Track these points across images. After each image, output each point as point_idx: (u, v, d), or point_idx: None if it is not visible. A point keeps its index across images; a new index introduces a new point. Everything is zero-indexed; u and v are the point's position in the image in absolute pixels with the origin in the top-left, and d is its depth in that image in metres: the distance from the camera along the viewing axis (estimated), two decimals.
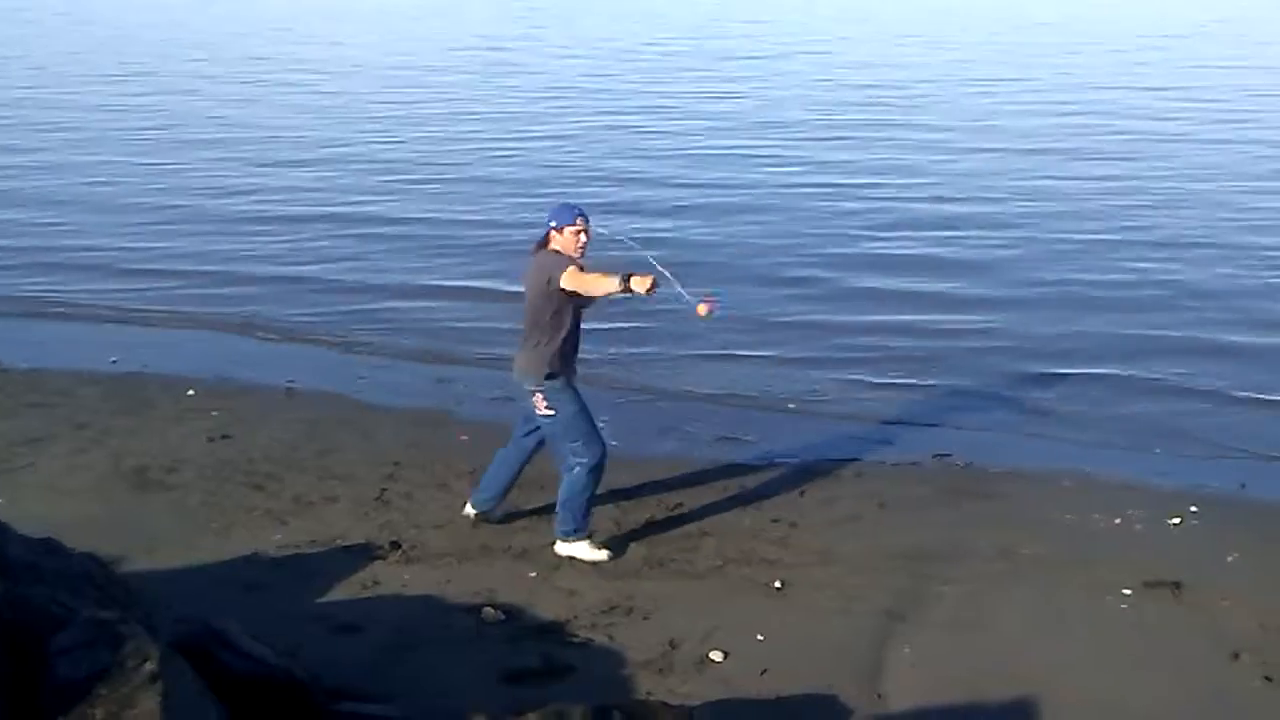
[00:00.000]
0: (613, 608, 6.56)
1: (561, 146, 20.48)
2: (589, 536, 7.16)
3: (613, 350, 10.67)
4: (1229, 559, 7.16)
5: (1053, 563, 7.12)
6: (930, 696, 5.82)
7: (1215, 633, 6.37)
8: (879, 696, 5.83)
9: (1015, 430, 9.25)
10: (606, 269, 6.66)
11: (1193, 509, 7.78)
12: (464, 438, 8.94)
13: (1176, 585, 6.81)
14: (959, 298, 12.48)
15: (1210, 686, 5.93)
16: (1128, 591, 6.78)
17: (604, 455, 7.04)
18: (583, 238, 6.80)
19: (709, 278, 11.18)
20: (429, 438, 8.96)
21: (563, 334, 6.86)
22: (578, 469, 7.01)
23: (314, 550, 7.16)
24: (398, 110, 24.25)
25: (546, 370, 6.88)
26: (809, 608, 6.67)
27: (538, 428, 7.14)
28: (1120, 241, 14.45)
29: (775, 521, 7.64)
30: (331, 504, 7.80)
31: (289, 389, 10.02)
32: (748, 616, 6.53)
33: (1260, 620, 6.46)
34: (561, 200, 7.28)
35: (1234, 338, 11.18)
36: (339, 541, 7.27)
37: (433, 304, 12.43)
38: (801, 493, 8.08)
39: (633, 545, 7.31)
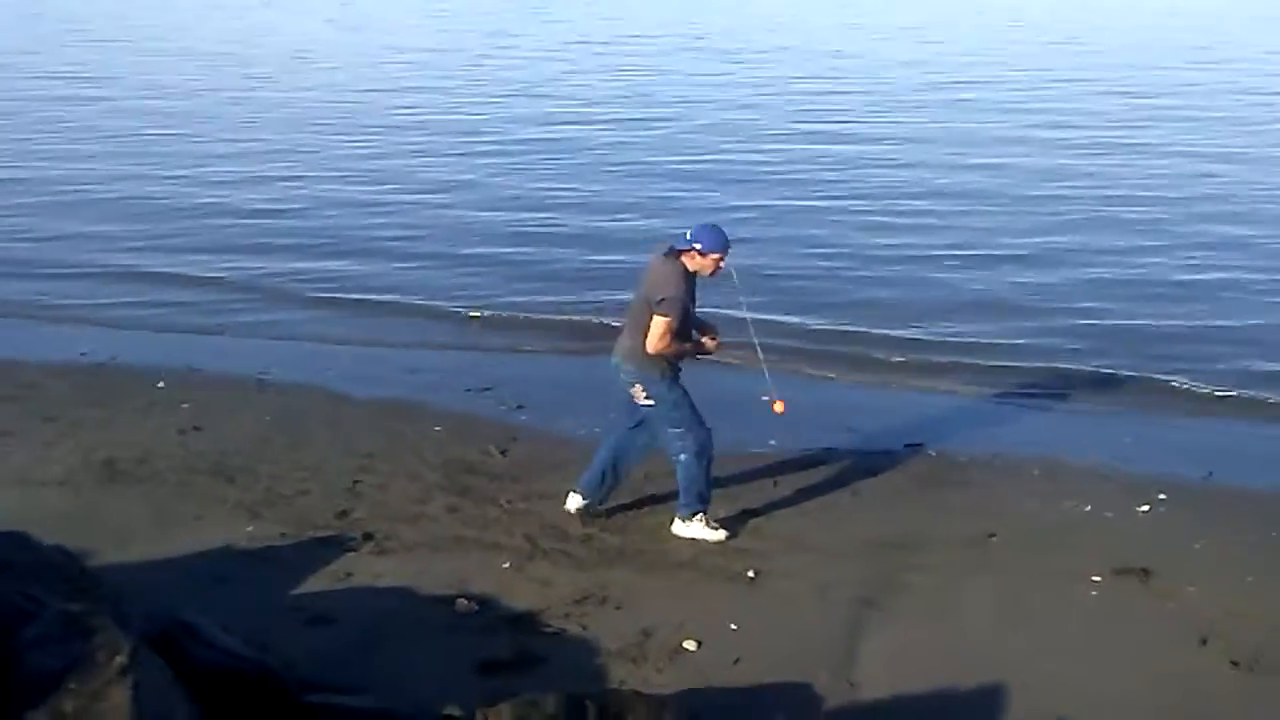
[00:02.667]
0: (586, 597, 6.57)
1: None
2: (704, 516, 7.25)
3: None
4: (1196, 546, 7.23)
5: (1023, 550, 7.18)
6: (902, 684, 5.86)
7: (1183, 619, 6.44)
8: (851, 685, 5.87)
9: (986, 420, 9.31)
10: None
11: (1161, 496, 7.85)
12: (437, 429, 8.92)
13: (1145, 572, 6.87)
14: (930, 289, 12.54)
15: (1178, 672, 6.00)
16: (1097, 578, 6.84)
17: (708, 439, 7.13)
18: (722, 265, 6.90)
19: None
20: (402, 429, 8.94)
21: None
22: (684, 457, 7.10)
23: (286, 542, 7.14)
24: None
25: (646, 362, 6.93)
26: (782, 597, 6.70)
27: (642, 421, 7.19)
28: (1103, 233, 14.51)
29: (748, 511, 7.66)
30: (304, 496, 7.78)
31: (260, 380, 9.97)
32: (721, 606, 6.56)
33: (1227, 606, 6.53)
34: (708, 222, 7.13)
35: (1204, 329, 11.25)
36: (311, 533, 7.25)
37: (407, 293, 12.41)
38: (775, 482, 8.10)
39: (605, 535, 7.32)
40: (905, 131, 20.68)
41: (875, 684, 5.88)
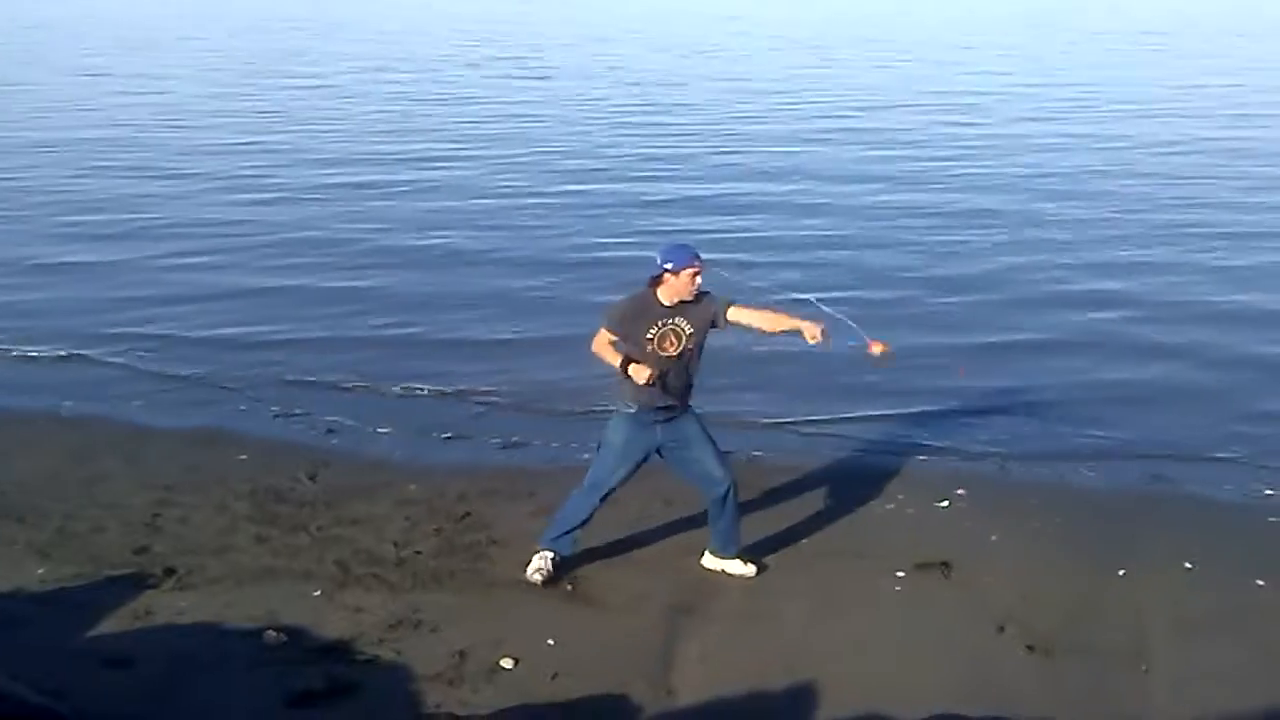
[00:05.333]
0: (400, 622, 6.46)
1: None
2: (551, 554, 6.98)
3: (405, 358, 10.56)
4: (993, 537, 7.55)
5: (831, 550, 7.38)
6: (717, 689, 5.96)
7: (982, 608, 6.72)
8: (668, 692, 5.93)
9: (794, 427, 9.49)
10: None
11: (959, 492, 8.18)
12: (243, 456, 8.66)
13: (946, 565, 7.15)
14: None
15: (978, 659, 6.26)
16: (901, 574, 7.08)
17: (603, 494, 6.89)
18: (698, 280, 6.61)
19: None
20: (205, 458, 8.64)
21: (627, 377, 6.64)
22: (586, 487, 6.93)
23: (80, 583, 6.80)
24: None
25: (621, 394, 6.76)
26: (599, 609, 6.73)
27: (686, 456, 6.89)
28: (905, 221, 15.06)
29: None
30: (100, 533, 7.43)
31: (55, 413, 9.49)
32: (539, 622, 6.55)
33: (1022, 593, 6.85)
34: (675, 241, 6.95)
35: (1000, 337, 11.72)
36: (107, 572, 6.93)
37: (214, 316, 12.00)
38: None
39: (421, 557, 7.21)
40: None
41: (692, 689, 5.97)
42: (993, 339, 11.40)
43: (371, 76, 30.11)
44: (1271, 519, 7.89)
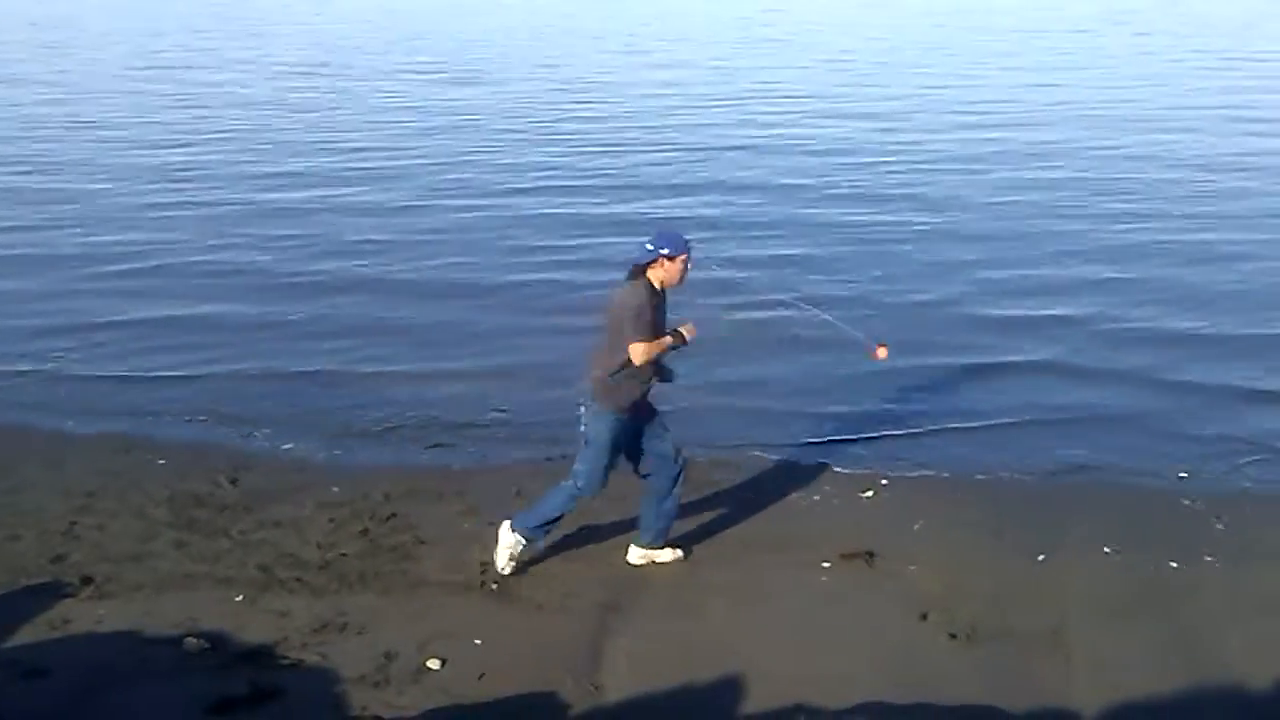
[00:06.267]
0: (324, 625, 6.41)
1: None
2: (524, 543, 7.01)
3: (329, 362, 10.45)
4: (916, 526, 7.65)
5: (758, 543, 7.42)
6: (645, 684, 5.98)
7: (905, 596, 6.81)
8: (596, 689, 5.94)
9: (715, 422, 9.49)
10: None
11: (883, 482, 8.27)
12: (162, 461, 8.53)
13: (870, 555, 7.23)
14: None
15: (901, 647, 6.34)
16: (827, 564, 7.15)
17: (594, 493, 6.93)
18: (688, 267, 6.68)
19: None
20: (123, 464, 8.48)
21: (624, 369, 6.66)
22: (567, 485, 6.92)
23: None
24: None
25: (598, 395, 6.72)
26: (526, 608, 6.72)
27: (650, 438, 6.96)
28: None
29: (491, 524, 7.59)
30: (14, 542, 7.29)
31: None
32: (466, 622, 6.52)
33: (944, 581, 6.94)
34: (666, 229, 7.00)
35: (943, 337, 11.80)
36: (24, 582, 6.81)
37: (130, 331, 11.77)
38: (517, 493, 8.09)
39: (346, 559, 7.15)
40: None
41: (620, 685, 5.98)
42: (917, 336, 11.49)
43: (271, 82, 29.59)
44: (1186, 502, 8.06)
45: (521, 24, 41.56)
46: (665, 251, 6.61)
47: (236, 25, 40.79)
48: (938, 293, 12.65)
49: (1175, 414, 9.56)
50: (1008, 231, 15.04)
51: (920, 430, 9.25)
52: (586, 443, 6.86)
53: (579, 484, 6.91)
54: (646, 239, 6.74)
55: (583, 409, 6.86)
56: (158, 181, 17.59)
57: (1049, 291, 12.62)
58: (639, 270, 6.70)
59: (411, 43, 35.67)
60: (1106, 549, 7.36)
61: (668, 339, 6.71)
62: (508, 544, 6.97)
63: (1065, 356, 10.80)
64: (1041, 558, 7.25)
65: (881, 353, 7.09)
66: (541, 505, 7.03)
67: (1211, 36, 37.92)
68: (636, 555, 7.17)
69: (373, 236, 14.68)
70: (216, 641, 6.24)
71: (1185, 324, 11.64)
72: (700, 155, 19.40)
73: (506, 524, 7.02)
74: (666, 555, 7.18)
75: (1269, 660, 6.22)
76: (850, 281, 12.90)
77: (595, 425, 6.80)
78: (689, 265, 6.72)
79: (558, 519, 7.03)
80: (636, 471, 7.12)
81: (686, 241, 6.73)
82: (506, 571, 6.96)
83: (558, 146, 20.23)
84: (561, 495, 6.98)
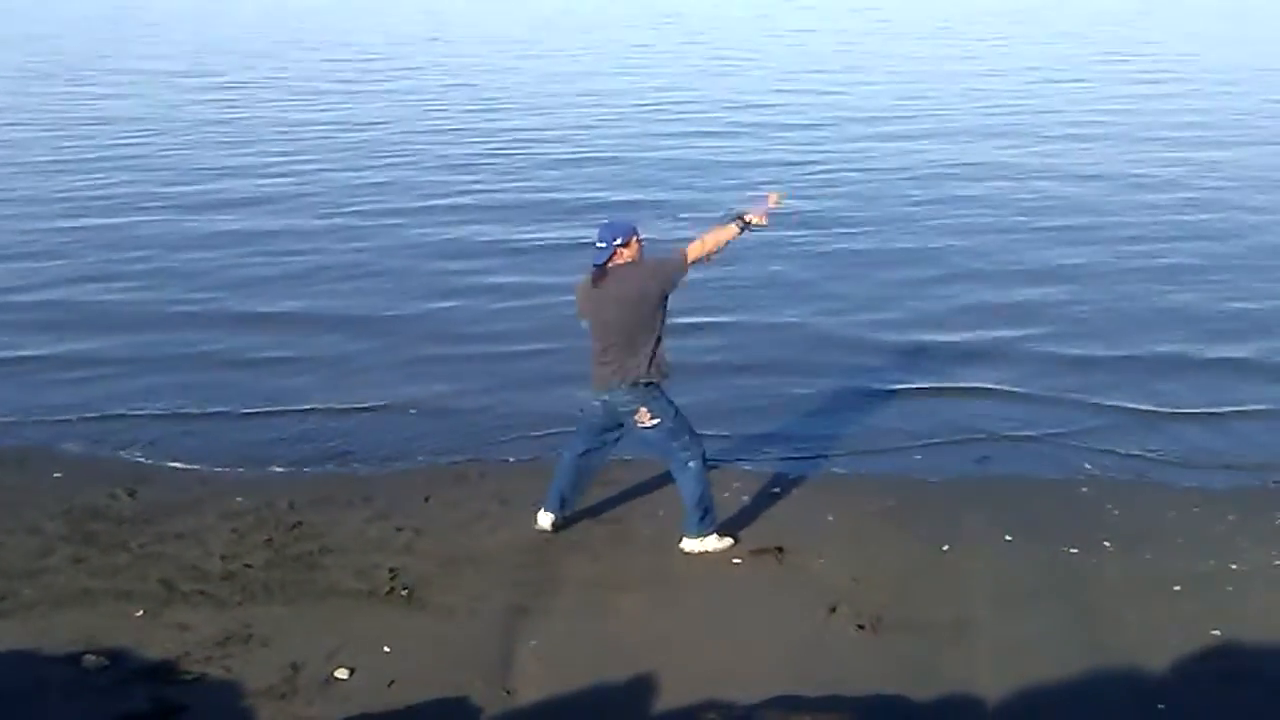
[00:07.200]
0: (229, 638, 6.28)
1: None
2: (718, 536, 7.29)
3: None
4: (827, 519, 7.72)
5: (668, 541, 7.41)
6: (557, 685, 5.96)
7: (814, 590, 6.87)
8: (508, 693, 5.90)
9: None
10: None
11: (793, 477, 8.34)
12: (57, 474, 8.29)
13: (779, 550, 7.29)
14: None
15: (810, 640, 6.39)
16: (737, 560, 7.20)
17: (703, 449, 7.18)
18: (643, 246, 6.92)
19: None
20: (16, 479, 8.24)
21: (660, 343, 6.89)
22: (693, 464, 7.06)
23: None
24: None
25: (647, 380, 6.87)
26: (436, 613, 6.65)
27: (606, 443, 7.26)
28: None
29: (399, 530, 7.56)
30: None
31: None
32: (374, 629, 6.44)
33: (852, 574, 7.02)
34: (610, 219, 7.22)
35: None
36: None
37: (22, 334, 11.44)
38: (426, 498, 8.03)
39: (250, 570, 7.02)
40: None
41: (532, 687, 5.95)
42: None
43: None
44: (1084, 489, 8.26)
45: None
46: (619, 241, 6.81)
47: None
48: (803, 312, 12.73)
49: (1081, 428, 9.40)
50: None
51: (829, 426, 9.35)
52: (666, 426, 7.00)
53: (688, 458, 7.07)
54: (596, 239, 6.89)
55: (631, 405, 6.96)
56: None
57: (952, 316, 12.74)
58: (602, 271, 6.84)
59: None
60: (1008, 536, 7.51)
61: (733, 226, 6.89)
62: (718, 547, 7.23)
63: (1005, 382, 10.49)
64: (946, 548, 7.37)
65: (773, 199, 7.14)
66: (687, 500, 7.19)
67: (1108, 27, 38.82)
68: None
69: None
70: (116, 658, 6.08)
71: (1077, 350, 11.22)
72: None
73: (691, 543, 7.22)
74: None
75: (1164, 637, 6.41)
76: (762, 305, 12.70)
77: (656, 405, 6.97)
78: (643, 245, 6.94)
79: (707, 494, 7.17)
80: (586, 452, 7.31)
81: (632, 224, 6.95)
82: (731, 544, 7.30)
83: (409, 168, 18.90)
84: (688, 477, 7.13)
